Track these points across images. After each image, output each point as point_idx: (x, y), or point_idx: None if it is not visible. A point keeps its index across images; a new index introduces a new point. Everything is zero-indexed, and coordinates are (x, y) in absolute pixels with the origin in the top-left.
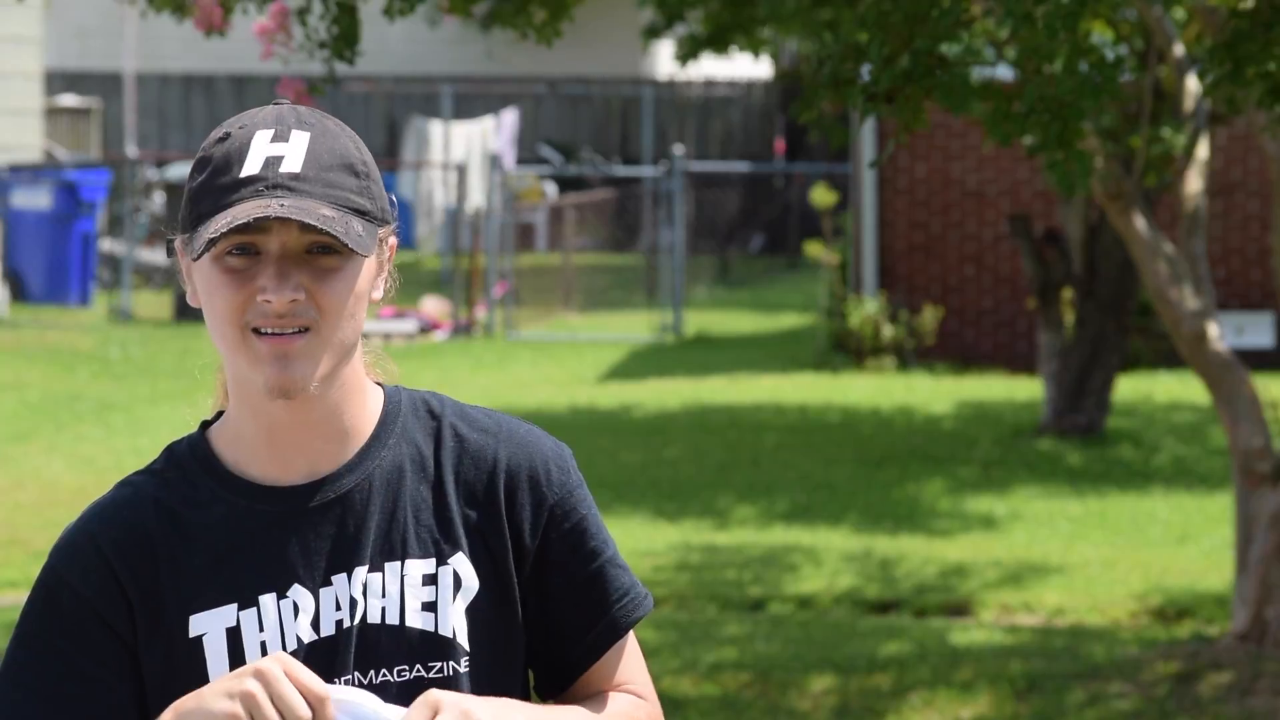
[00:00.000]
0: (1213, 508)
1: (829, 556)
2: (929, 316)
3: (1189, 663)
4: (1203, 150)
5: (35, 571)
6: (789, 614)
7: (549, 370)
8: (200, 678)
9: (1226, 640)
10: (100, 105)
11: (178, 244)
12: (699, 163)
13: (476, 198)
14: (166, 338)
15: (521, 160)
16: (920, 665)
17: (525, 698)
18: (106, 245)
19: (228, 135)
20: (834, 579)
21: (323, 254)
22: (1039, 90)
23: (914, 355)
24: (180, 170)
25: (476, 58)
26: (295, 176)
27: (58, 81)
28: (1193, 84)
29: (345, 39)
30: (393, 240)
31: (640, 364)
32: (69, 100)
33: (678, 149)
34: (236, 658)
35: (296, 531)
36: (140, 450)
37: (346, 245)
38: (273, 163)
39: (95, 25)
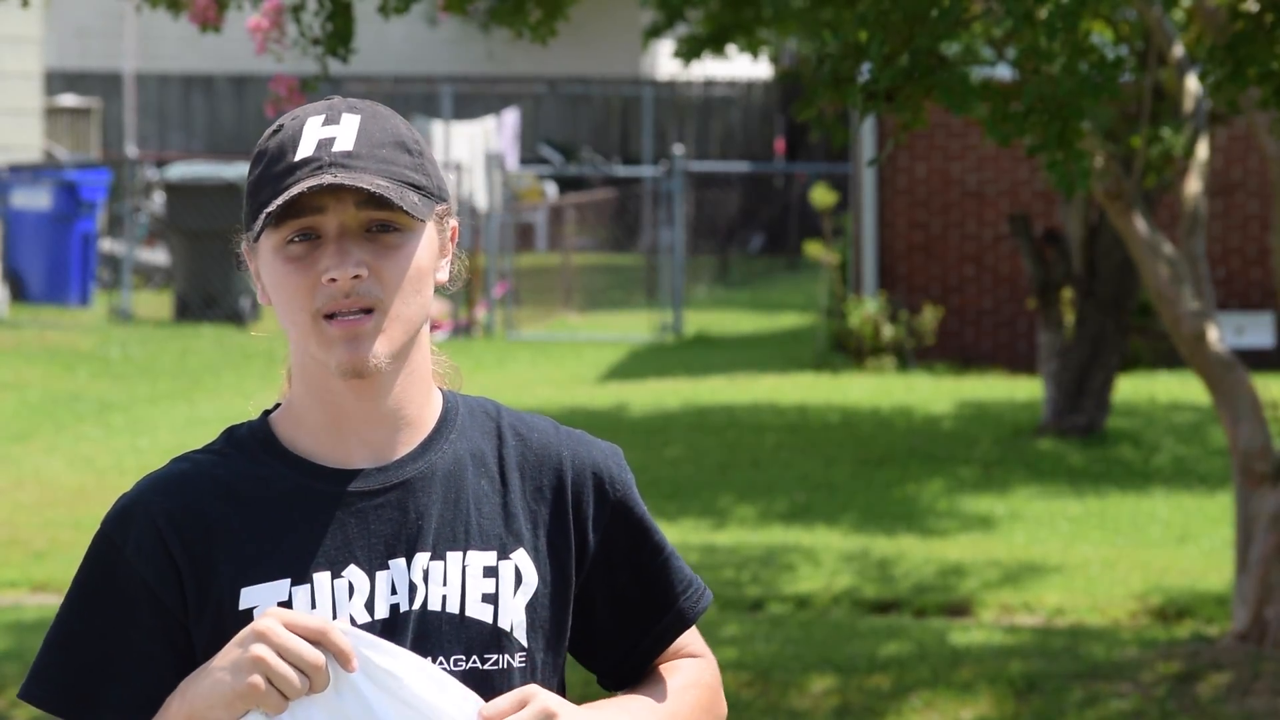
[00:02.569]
0: (1213, 508)
1: (828, 556)
2: (929, 316)
3: (1189, 663)
4: (1203, 150)
5: (35, 572)
6: (789, 614)
7: (549, 370)
8: None
9: (1226, 640)
10: (100, 105)
11: (245, 248)
12: (699, 163)
13: (478, 198)
14: (166, 338)
15: (522, 160)
16: (920, 665)
17: (562, 693)
18: (106, 245)
19: (280, 127)
20: (833, 579)
21: (382, 232)
22: (1038, 90)
23: (914, 355)
24: (180, 170)
25: (476, 58)
26: (348, 154)
27: (58, 81)
28: (1193, 84)
29: (339, 37)
30: (453, 223)
31: (640, 364)
32: (69, 100)
33: (678, 149)
34: None
35: (356, 513)
36: (140, 450)
37: (402, 210)
38: (325, 144)
39: (95, 25)
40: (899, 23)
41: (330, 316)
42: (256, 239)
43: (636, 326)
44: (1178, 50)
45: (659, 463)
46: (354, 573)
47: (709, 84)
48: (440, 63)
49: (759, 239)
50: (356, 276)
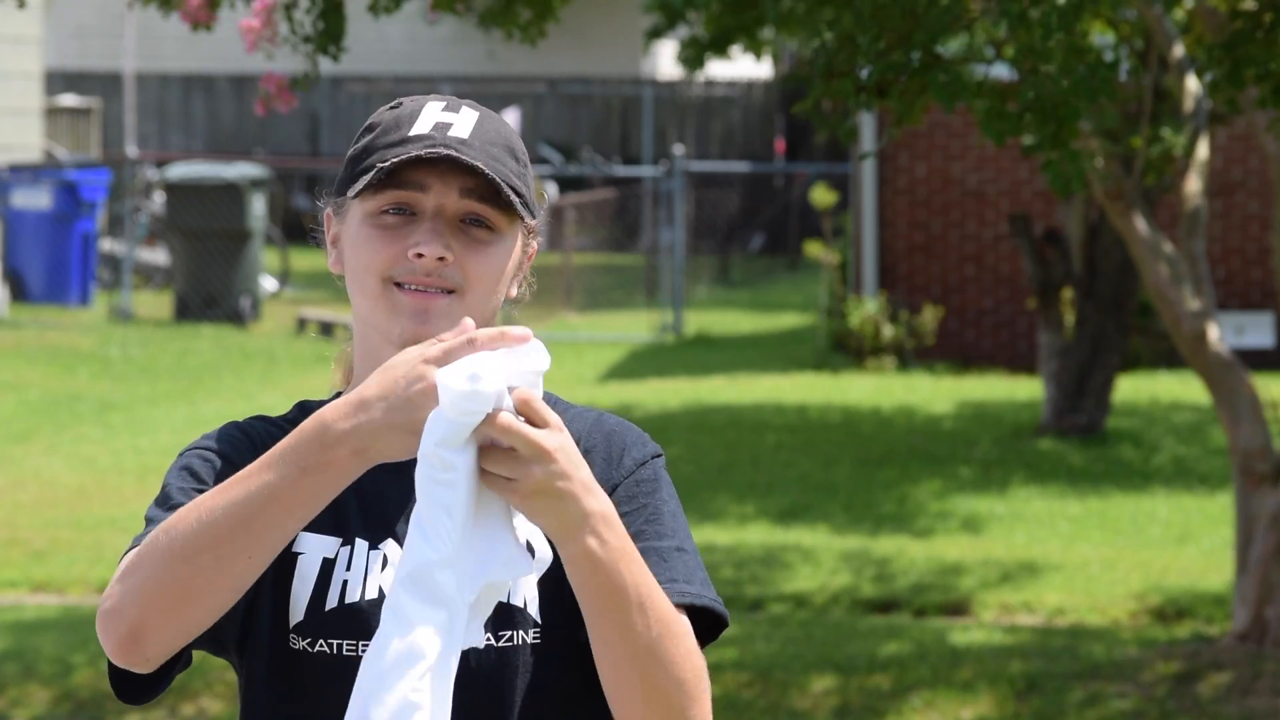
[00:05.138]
0: (1213, 508)
1: (828, 556)
2: (929, 316)
3: (1189, 663)
4: (1203, 150)
5: (35, 572)
6: (789, 614)
7: (549, 370)
8: (285, 590)
9: (1226, 640)
10: (100, 105)
11: (327, 212)
12: (699, 163)
13: None
14: (166, 338)
15: None
16: (920, 665)
17: (593, 672)
18: (106, 245)
19: (399, 104)
20: (832, 579)
21: (475, 225)
22: (1035, 89)
23: (914, 355)
24: (180, 170)
25: (477, 58)
26: (463, 141)
27: (58, 81)
28: (1193, 84)
29: (330, 35)
30: (533, 245)
31: (640, 364)
32: (69, 100)
33: (678, 149)
34: (321, 586)
35: (402, 490)
36: (140, 450)
37: (502, 204)
38: (442, 127)
39: (95, 25)
40: (897, 19)
41: (400, 286)
42: (356, 195)
43: (636, 326)
44: (1178, 50)
45: None
46: (390, 546)
47: (709, 84)
48: (440, 63)
49: (759, 239)
50: (442, 258)
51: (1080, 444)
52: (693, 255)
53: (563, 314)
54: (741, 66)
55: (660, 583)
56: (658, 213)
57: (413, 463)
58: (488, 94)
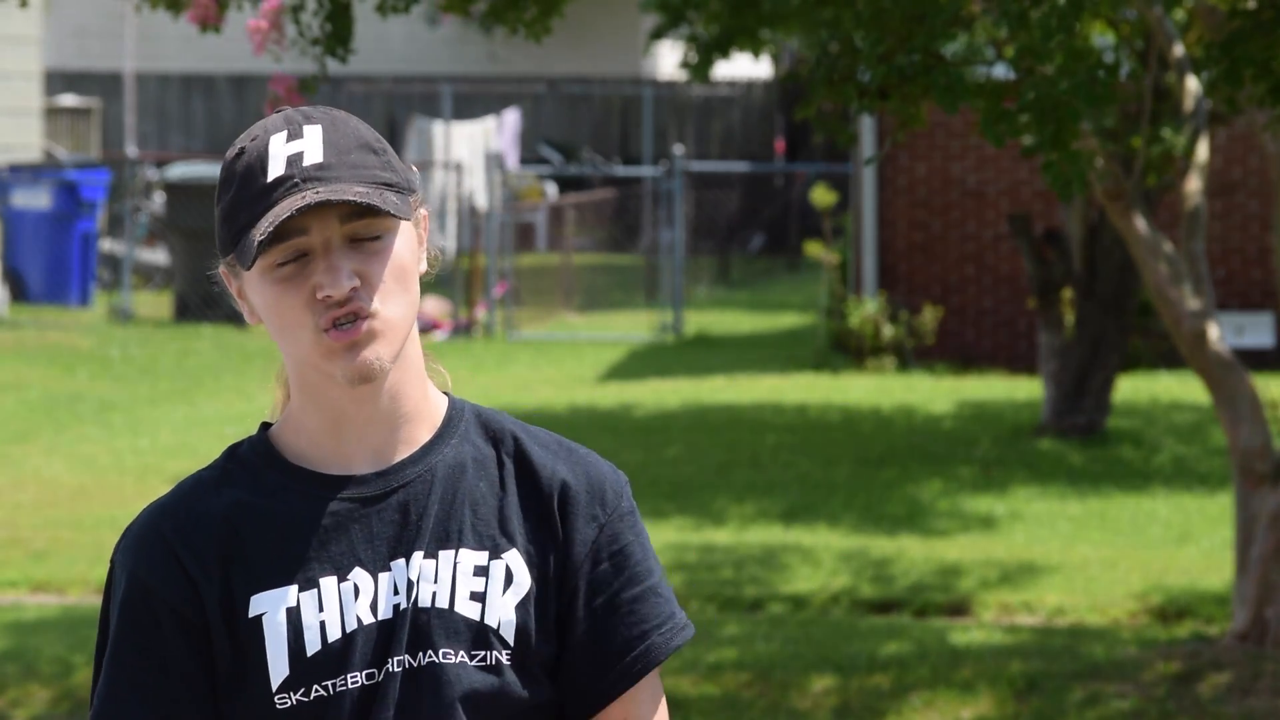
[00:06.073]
0: (1213, 508)
1: (828, 557)
2: (929, 316)
3: (1189, 663)
4: (1203, 150)
5: (35, 572)
6: (789, 614)
7: (549, 370)
8: (259, 657)
9: (1226, 640)
10: (100, 105)
11: (223, 270)
12: (699, 163)
13: (478, 198)
14: (166, 338)
15: (522, 160)
16: (920, 665)
17: (559, 714)
18: (106, 245)
19: (243, 150)
20: (832, 579)
21: (366, 240)
22: (1035, 90)
23: (914, 355)
24: (180, 170)
25: (476, 58)
26: (320, 166)
27: (58, 81)
28: (1193, 84)
29: (338, 37)
30: (423, 211)
31: (640, 364)
32: (69, 100)
33: (678, 149)
34: (296, 637)
35: (360, 518)
36: (140, 450)
37: (388, 213)
38: (295, 160)
39: (95, 25)
40: (897, 22)
41: (327, 330)
42: (249, 265)
43: (636, 326)
44: (1178, 50)
45: (659, 463)
46: (359, 575)
47: (709, 84)
48: (440, 63)
49: (759, 239)
50: (353, 289)
51: (1080, 444)
52: (692, 255)
53: (562, 314)
54: (741, 66)
55: (662, 625)
56: (657, 213)
57: (324, 494)
58: (488, 94)
